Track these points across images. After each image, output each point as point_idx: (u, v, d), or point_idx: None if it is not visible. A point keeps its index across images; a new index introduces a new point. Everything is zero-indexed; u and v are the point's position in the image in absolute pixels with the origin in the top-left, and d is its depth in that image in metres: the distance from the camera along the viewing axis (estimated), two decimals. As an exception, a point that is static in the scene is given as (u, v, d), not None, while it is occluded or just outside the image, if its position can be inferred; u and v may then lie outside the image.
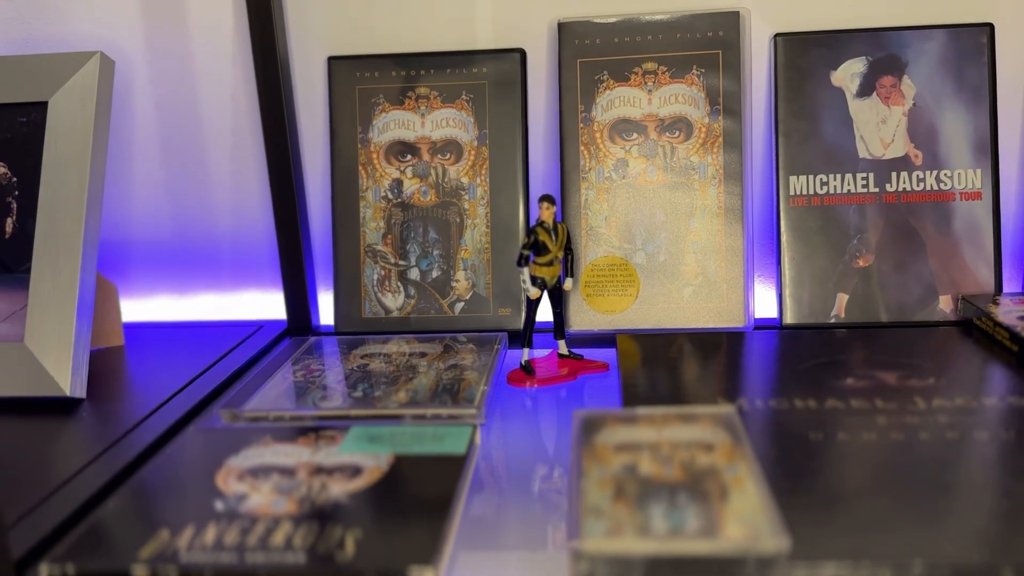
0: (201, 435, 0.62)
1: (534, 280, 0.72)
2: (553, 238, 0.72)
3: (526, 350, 0.74)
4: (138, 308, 0.96)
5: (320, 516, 0.49)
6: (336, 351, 0.79)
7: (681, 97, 0.82)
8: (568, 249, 0.74)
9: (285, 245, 0.88)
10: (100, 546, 0.48)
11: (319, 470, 0.55)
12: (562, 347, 0.76)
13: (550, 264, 0.72)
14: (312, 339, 0.83)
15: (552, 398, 0.72)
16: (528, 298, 0.73)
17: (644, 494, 0.45)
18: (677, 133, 0.82)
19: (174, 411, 0.70)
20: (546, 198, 0.71)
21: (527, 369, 0.73)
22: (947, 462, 0.53)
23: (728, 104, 0.81)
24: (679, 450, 0.50)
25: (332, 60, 0.88)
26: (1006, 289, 0.83)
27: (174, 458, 0.59)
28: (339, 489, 0.52)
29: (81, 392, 0.72)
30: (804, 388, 0.64)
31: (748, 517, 0.42)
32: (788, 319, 0.82)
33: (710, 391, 0.65)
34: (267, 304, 0.96)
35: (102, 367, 0.80)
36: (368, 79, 0.87)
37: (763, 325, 0.83)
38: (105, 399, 0.73)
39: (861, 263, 0.82)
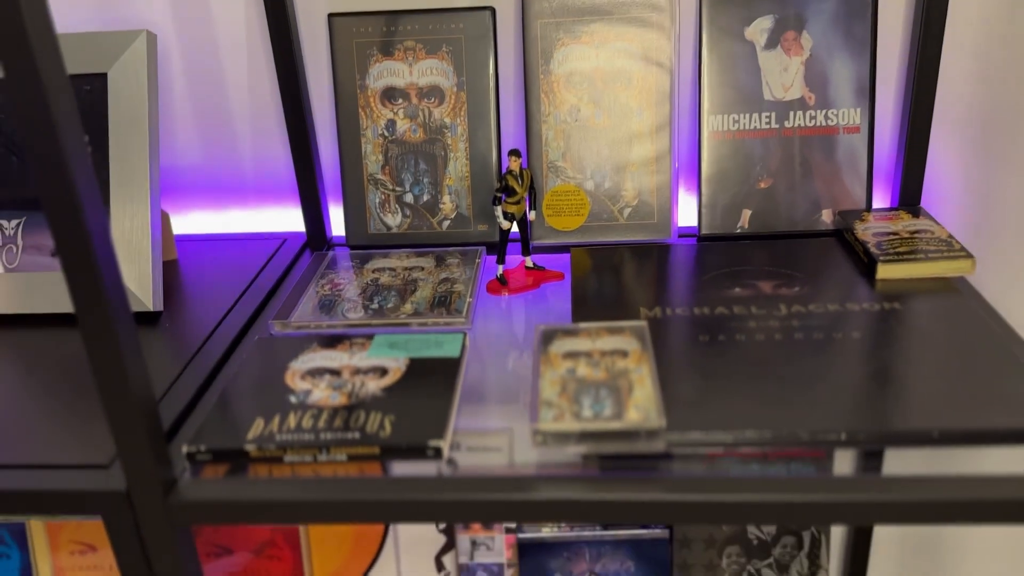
0: (265, 343, 0.85)
1: (505, 215, 0.93)
2: (520, 183, 0.92)
3: (500, 267, 0.96)
4: (182, 223, 1.17)
5: (364, 406, 0.73)
6: (350, 266, 1.01)
7: (625, 53, 1.00)
8: (531, 189, 0.94)
9: (302, 175, 1.08)
10: (218, 431, 0.72)
11: (357, 371, 0.78)
12: (528, 261, 0.99)
13: (518, 203, 0.93)
14: (329, 253, 1.05)
15: (521, 301, 0.95)
16: (501, 228, 0.94)
17: (579, 390, 0.69)
18: (620, 83, 1.01)
19: (236, 321, 0.92)
20: (513, 152, 0.91)
21: (502, 280, 0.96)
22: (792, 357, 0.77)
23: (660, 59, 1.00)
24: (605, 357, 0.73)
25: (332, 17, 1.04)
26: (876, 205, 1.05)
27: (250, 362, 0.82)
28: (374, 385, 0.76)
29: (160, 306, 0.94)
30: (704, 297, 0.88)
31: (642, 405, 0.67)
32: (704, 230, 1.04)
33: (637, 300, 0.88)
34: (287, 219, 1.16)
35: (167, 281, 1.01)
36: (364, 33, 1.04)
37: (686, 233, 1.06)
38: (178, 311, 0.95)
39: (762, 185, 1.03)
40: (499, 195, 0.92)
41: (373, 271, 1.00)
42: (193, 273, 1.05)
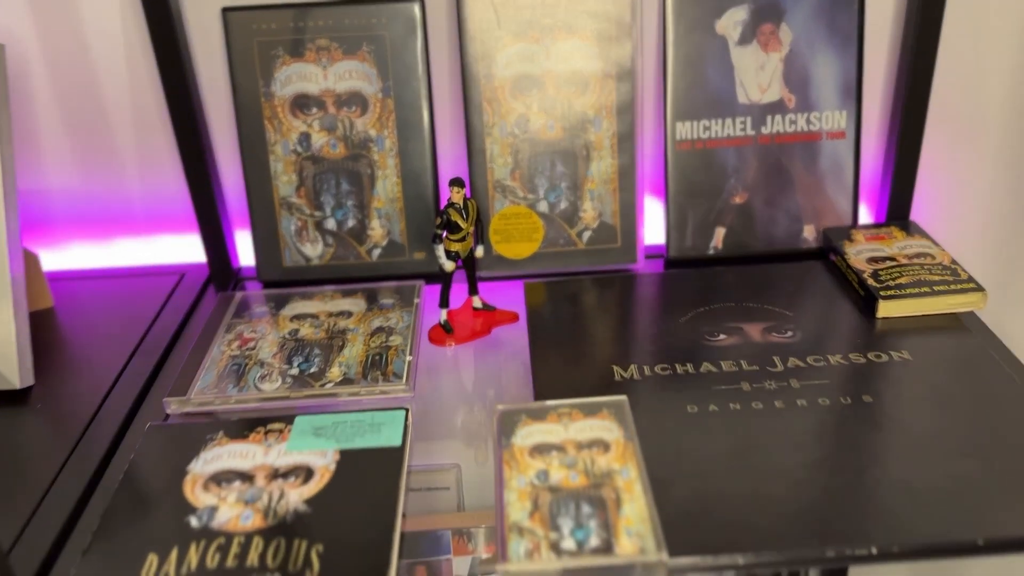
0: (158, 432, 0.69)
1: (448, 255, 0.78)
2: (464, 216, 0.77)
3: (444, 311, 0.82)
4: (58, 258, 0.98)
5: (285, 530, 0.59)
6: (264, 311, 0.85)
7: (577, 53, 0.85)
8: (478, 221, 0.80)
9: (199, 200, 0.91)
10: None
11: (275, 474, 0.64)
12: (476, 301, 0.84)
13: (463, 240, 0.78)
14: (238, 295, 0.89)
15: (471, 351, 0.81)
16: (443, 271, 0.79)
17: (555, 506, 0.56)
18: (574, 89, 0.86)
19: (126, 392, 0.76)
20: (455, 182, 0.76)
21: (447, 328, 0.82)
22: (801, 438, 0.65)
23: (621, 59, 0.85)
24: (583, 452, 0.60)
25: (227, 12, 0.86)
26: (862, 218, 0.94)
27: (140, 464, 0.66)
28: (296, 496, 0.62)
29: (29, 379, 0.77)
30: (685, 347, 0.75)
31: (636, 528, 0.54)
32: (672, 253, 0.92)
33: (607, 354, 0.75)
34: (188, 247, 0.99)
35: (41, 338, 0.84)
36: (266, 31, 0.87)
37: (653, 253, 0.93)
38: (55, 382, 0.78)
39: (737, 200, 0.91)
40: (440, 232, 0.77)
41: (292, 319, 0.84)
42: (74, 325, 0.88)
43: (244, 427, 0.69)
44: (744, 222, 0.91)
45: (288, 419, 0.69)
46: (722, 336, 0.77)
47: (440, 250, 0.78)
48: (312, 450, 0.66)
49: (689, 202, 0.90)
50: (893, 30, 0.89)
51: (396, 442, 0.66)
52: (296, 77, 0.88)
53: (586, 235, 0.90)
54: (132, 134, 0.93)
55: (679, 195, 0.90)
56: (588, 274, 0.89)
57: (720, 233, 0.91)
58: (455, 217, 0.77)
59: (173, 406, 0.73)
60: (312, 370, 0.76)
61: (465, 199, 0.78)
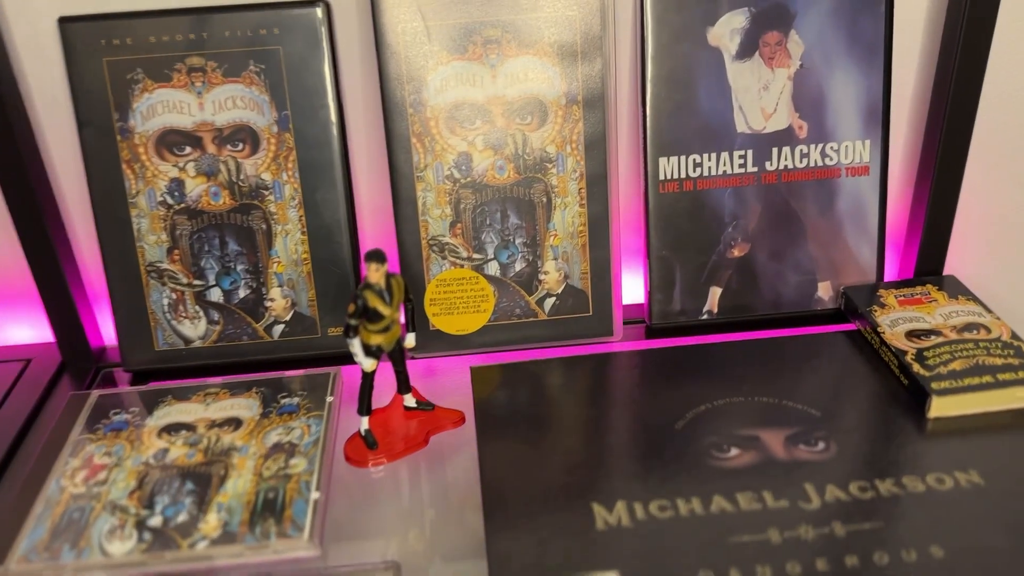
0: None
1: (368, 350, 0.58)
2: (387, 299, 0.57)
3: (365, 419, 0.62)
4: None
5: None
6: (125, 421, 0.64)
7: (532, 72, 0.66)
8: (408, 300, 0.60)
9: (39, 271, 0.69)
10: None
11: None
12: (408, 400, 0.64)
13: (387, 330, 0.58)
14: (94, 396, 0.67)
15: (402, 472, 0.61)
16: (363, 371, 0.59)
17: None
18: (529, 119, 0.67)
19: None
20: (374, 256, 0.56)
21: (369, 442, 0.61)
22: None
23: (589, 79, 0.66)
24: None
25: (65, 22, 0.64)
26: (888, 272, 0.76)
27: None
28: None
29: None
30: (688, 471, 0.56)
31: None
32: (656, 319, 0.73)
33: (584, 484, 0.56)
34: (36, 323, 0.77)
35: None
36: (118, 47, 0.65)
37: (632, 318, 0.74)
38: None
39: (736, 253, 0.72)
40: (354, 323, 0.57)
41: (161, 432, 0.63)
42: None
43: (74, 626, 0.48)
44: (745, 280, 0.73)
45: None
46: (734, 451, 0.58)
47: (356, 345, 0.58)
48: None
49: (676, 257, 0.72)
50: (927, 39, 0.71)
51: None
52: (162, 107, 0.66)
53: (549, 303, 0.70)
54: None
55: (663, 249, 0.71)
56: (551, 354, 0.70)
57: (715, 294, 0.73)
58: (374, 302, 0.57)
59: (-21, 584, 0.52)
60: (180, 519, 0.55)
61: (388, 276, 0.57)
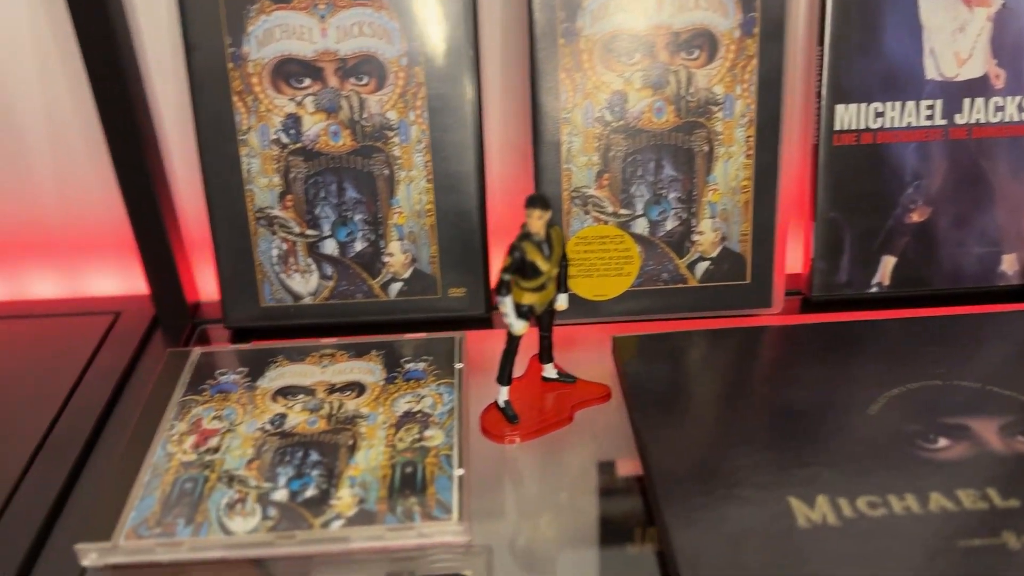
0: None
1: (520, 311, 0.51)
2: (546, 253, 0.50)
3: (505, 390, 0.54)
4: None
5: None
6: (233, 384, 0.57)
7: (704, 1, 0.57)
8: (564, 260, 0.52)
9: (137, 215, 0.62)
10: None
11: None
12: (549, 370, 0.57)
13: (542, 288, 0.51)
14: (196, 354, 0.61)
15: (545, 449, 0.54)
16: (512, 334, 0.52)
17: None
18: (696, 53, 0.58)
19: (16, 531, 0.48)
20: (538, 202, 0.48)
21: (509, 415, 0.54)
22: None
23: (768, 6, 0.58)
24: None
25: (174, -69, 0.57)
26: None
27: None
28: None
29: None
30: (889, 462, 0.48)
31: None
32: (817, 291, 0.65)
33: (769, 473, 0.48)
34: (127, 272, 0.71)
35: None
36: (235, -38, 0.58)
37: (789, 290, 0.66)
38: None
39: (915, 218, 0.64)
40: (508, 279, 0.49)
41: (275, 395, 0.56)
42: (-52, 397, 0.60)
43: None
44: (922, 249, 0.64)
45: (274, 594, 0.42)
46: (943, 442, 0.50)
47: (508, 304, 0.50)
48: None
49: (846, 220, 0.63)
50: None
51: (457, 652, 0.39)
52: (280, 32, 0.59)
53: (701, 267, 0.62)
54: (41, 117, 0.64)
55: (832, 210, 0.63)
56: (701, 325, 0.62)
57: (888, 264, 0.64)
58: (532, 255, 0.49)
59: (92, 556, 0.46)
60: (309, 493, 0.48)
61: (549, 228, 0.50)
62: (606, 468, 0.52)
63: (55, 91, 0.64)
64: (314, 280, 0.64)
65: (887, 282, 0.65)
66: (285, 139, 0.61)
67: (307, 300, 0.64)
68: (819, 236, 0.64)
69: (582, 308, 0.63)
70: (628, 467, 0.52)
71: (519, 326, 0.51)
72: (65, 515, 0.50)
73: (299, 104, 0.60)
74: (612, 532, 0.48)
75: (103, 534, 0.46)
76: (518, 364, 0.57)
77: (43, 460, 0.53)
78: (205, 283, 0.69)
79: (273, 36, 0.59)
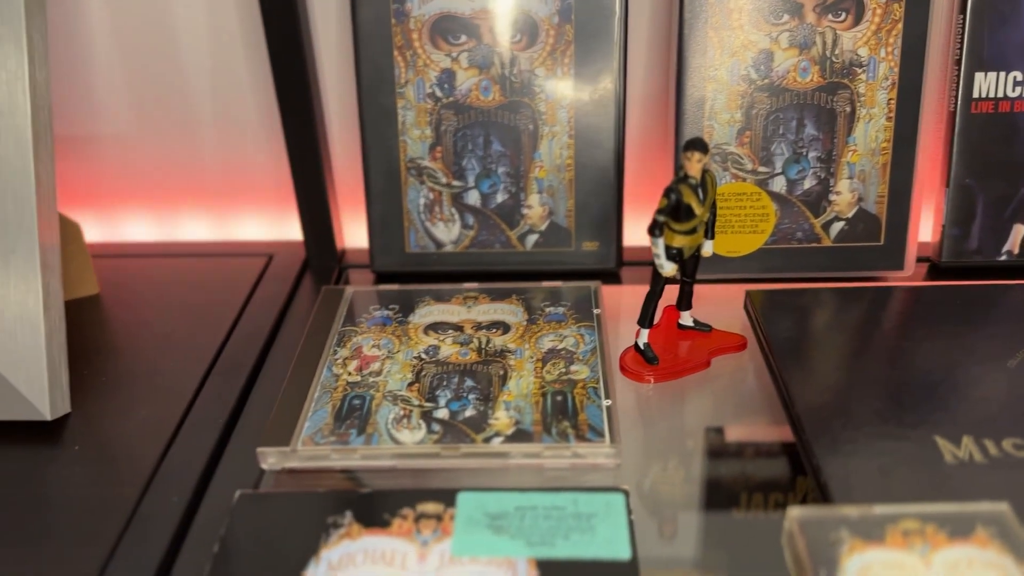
0: (251, 504, 0.46)
1: (669, 252, 0.53)
2: (700, 196, 0.52)
3: (645, 332, 0.57)
4: (108, 229, 0.75)
5: None
6: (388, 315, 0.61)
7: (853, -37, 0.59)
8: (714, 205, 0.54)
9: (298, 159, 0.67)
10: None
11: (442, 602, 0.40)
12: (685, 318, 0.59)
13: (692, 231, 0.53)
14: (350, 291, 0.65)
15: (678, 390, 0.56)
16: (659, 275, 0.54)
17: None
18: (843, 15, 0.60)
19: (198, 434, 0.53)
20: (697, 145, 0.50)
21: (648, 356, 0.57)
22: None
23: (913, -27, 0.59)
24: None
25: None
26: None
27: (229, 560, 0.43)
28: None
29: (63, 408, 0.54)
30: (1033, 408, 0.50)
31: None
32: (946, 256, 0.66)
33: (912, 413, 0.50)
34: (275, 222, 0.75)
35: (76, 339, 0.61)
36: (402, -77, 0.62)
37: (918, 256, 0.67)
38: (96, 412, 0.55)
39: (1051, 187, 0.64)
40: (662, 220, 0.52)
41: (427, 329, 0.60)
42: (126, 321, 0.65)
43: (381, 508, 0.45)
44: (1055, 218, 0.65)
45: (443, 496, 0.45)
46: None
47: (660, 245, 0.53)
48: (492, 556, 0.42)
49: (980, 187, 0.64)
50: None
51: (622, 553, 0.42)
52: (441, -10, 0.63)
53: (836, 227, 0.64)
54: (208, 65, 0.69)
55: (966, 176, 0.64)
56: (832, 284, 0.63)
57: (1019, 232, 0.65)
58: (688, 198, 0.52)
59: (271, 460, 0.50)
60: (469, 413, 0.52)
61: (704, 172, 0.52)
62: (748, 409, 0.55)
63: (224, 35, 0.68)
64: (456, 229, 0.67)
65: (1016, 251, 0.65)
66: (439, 93, 0.64)
67: (448, 248, 0.68)
68: (952, 202, 0.65)
69: (713, 264, 0.65)
70: (769, 411, 0.54)
71: (669, 267, 0.53)
72: (240, 427, 0.54)
73: (454, 60, 0.64)
74: (758, 467, 0.50)
75: (282, 440, 0.50)
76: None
77: (215, 378, 0.58)
78: (349, 229, 0.74)
79: (434, -6, 0.63)
